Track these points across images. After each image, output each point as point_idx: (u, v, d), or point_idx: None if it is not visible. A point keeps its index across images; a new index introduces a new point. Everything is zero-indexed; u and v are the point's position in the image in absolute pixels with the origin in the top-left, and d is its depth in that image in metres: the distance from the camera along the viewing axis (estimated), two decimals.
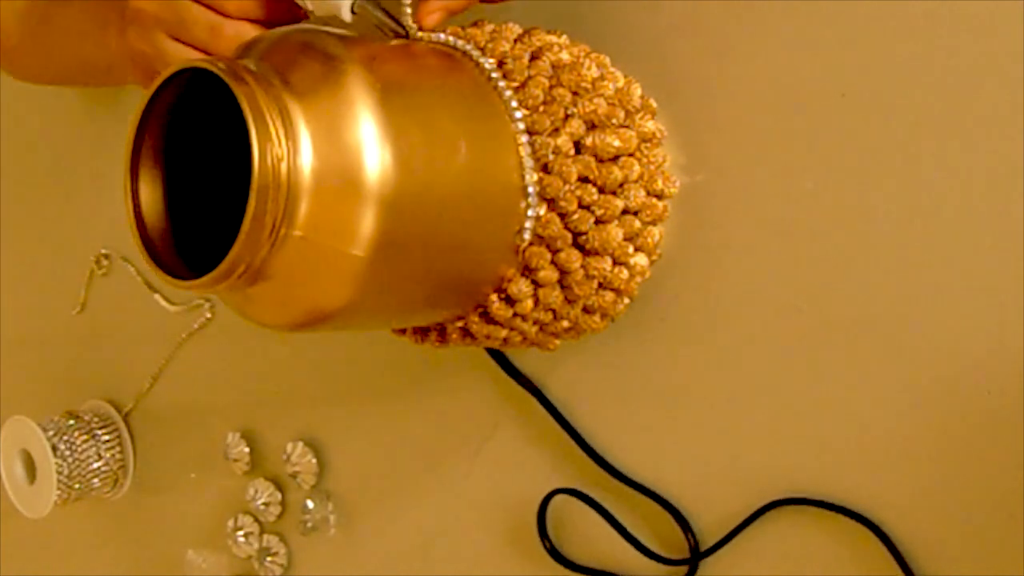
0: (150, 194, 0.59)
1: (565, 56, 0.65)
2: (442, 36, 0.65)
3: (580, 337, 0.69)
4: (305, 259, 0.56)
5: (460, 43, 0.64)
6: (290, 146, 0.54)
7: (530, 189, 0.63)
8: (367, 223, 0.55)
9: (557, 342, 0.68)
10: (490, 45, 0.64)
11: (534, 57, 0.65)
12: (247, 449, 0.90)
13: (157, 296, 0.96)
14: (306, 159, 0.55)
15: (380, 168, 0.56)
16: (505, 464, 0.75)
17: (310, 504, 0.86)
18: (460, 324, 0.66)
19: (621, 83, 0.67)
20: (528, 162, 0.63)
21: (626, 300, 0.67)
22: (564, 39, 0.67)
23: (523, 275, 0.64)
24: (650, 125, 0.66)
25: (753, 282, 0.65)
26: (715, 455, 0.67)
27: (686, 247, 0.67)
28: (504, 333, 0.66)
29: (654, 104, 0.67)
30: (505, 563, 0.77)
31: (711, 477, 0.68)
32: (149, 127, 0.59)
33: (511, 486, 0.76)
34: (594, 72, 0.66)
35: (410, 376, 0.80)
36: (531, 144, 0.63)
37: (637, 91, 0.67)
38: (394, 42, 0.63)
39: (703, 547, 0.68)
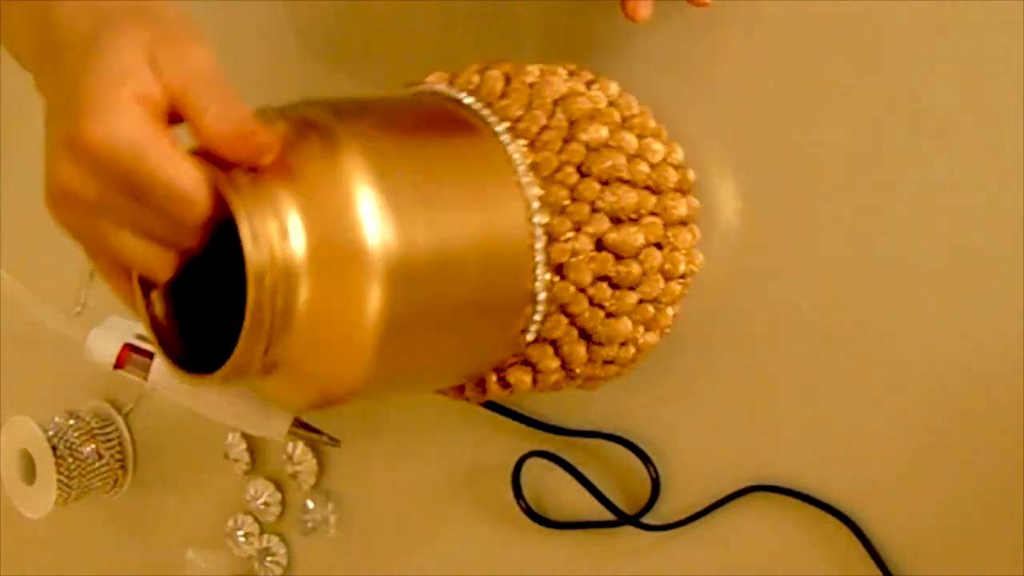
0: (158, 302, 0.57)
1: (603, 132, 0.61)
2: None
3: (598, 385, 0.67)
4: (314, 342, 0.54)
5: (487, 114, 0.61)
6: (283, 229, 0.52)
7: (540, 296, 0.59)
8: (374, 297, 0.53)
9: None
10: (521, 125, 0.60)
11: (567, 140, 0.60)
12: (247, 449, 0.90)
13: None
14: (299, 241, 0.52)
15: (381, 242, 0.53)
16: (506, 462, 0.75)
17: (310, 504, 0.86)
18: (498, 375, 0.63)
19: (660, 156, 0.62)
20: (541, 262, 0.59)
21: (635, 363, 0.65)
22: (598, 93, 0.63)
23: (522, 364, 0.62)
24: (683, 210, 0.62)
25: (753, 281, 0.65)
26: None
27: None
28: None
29: (692, 176, 0.64)
30: (507, 562, 0.77)
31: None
32: None
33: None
34: (632, 145, 0.61)
35: None
36: (547, 251, 0.59)
37: (678, 156, 0.63)
38: (395, 100, 0.62)
39: (677, 519, 0.69)
